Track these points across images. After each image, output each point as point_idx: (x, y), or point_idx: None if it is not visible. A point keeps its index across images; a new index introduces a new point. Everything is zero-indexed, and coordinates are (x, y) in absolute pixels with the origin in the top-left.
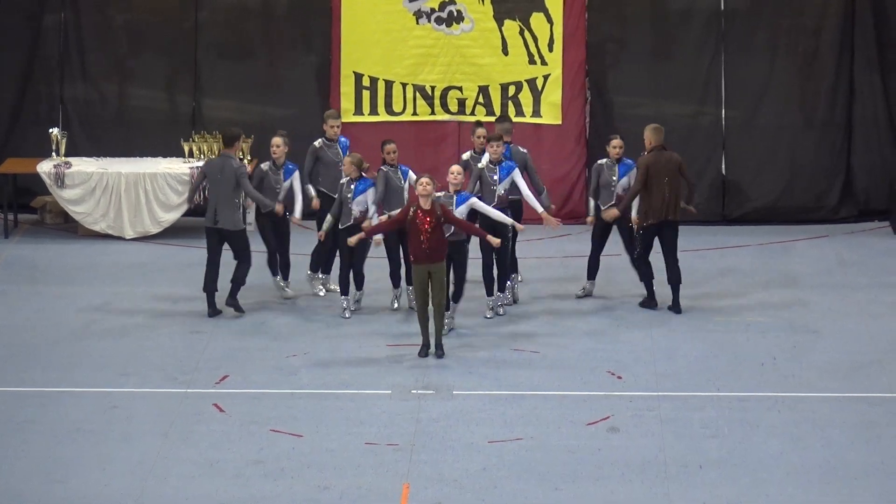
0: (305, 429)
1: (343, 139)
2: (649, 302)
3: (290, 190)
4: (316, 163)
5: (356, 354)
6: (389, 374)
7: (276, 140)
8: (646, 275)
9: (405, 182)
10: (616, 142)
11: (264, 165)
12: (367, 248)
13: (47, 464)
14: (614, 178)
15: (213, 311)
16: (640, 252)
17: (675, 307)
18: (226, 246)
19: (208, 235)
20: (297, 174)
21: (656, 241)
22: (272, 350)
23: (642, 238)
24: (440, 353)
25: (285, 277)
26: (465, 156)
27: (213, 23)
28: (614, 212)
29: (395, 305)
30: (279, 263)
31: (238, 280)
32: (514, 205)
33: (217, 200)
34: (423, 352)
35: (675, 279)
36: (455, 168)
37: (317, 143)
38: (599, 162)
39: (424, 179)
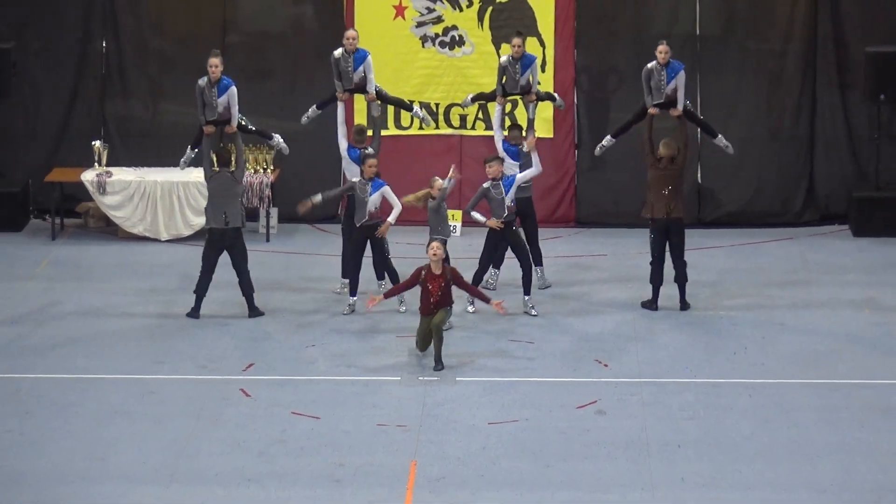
0: (323, 412)
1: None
2: (651, 304)
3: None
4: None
5: (369, 345)
6: (398, 362)
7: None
8: (655, 280)
9: (371, 196)
10: (662, 47)
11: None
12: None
13: (90, 443)
14: (663, 82)
15: (196, 314)
16: (653, 259)
17: (683, 304)
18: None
19: (211, 243)
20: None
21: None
22: (293, 341)
23: (653, 243)
24: (440, 366)
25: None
26: (503, 60)
27: (238, 46)
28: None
29: (403, 309)
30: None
31: (248, 293)
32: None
33: (224, 203)
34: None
35: (681, 279)
36: (435, 244)
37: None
38: (648, 66)
39: (435, 244)
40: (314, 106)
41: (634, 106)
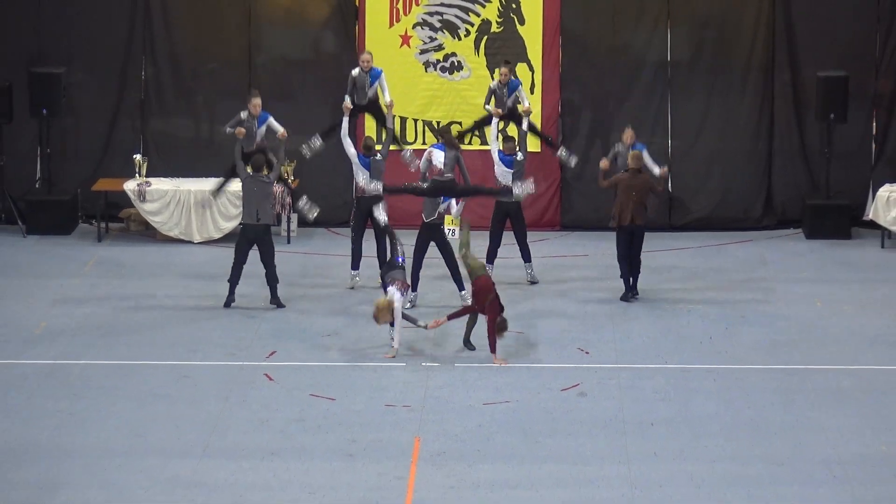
0: (337, 394)
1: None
2: (626, 296)
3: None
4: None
5: (377, 335)
6: (404, 350)
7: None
8: (624, 273)
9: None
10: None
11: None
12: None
13: (131, 422)
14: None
15: (230, 301)
16: (618, 254)
17: (634, 290)
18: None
19: (244, 236)
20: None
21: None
22: (310, 331)
23: (618, 242)
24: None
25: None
26: (493, 84)
27: (263, 70)
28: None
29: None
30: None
31: (272, 283)
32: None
33: (257, 203)
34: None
35: (635, 272)
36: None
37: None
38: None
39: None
40: (317, 136)
41: (611, 123)
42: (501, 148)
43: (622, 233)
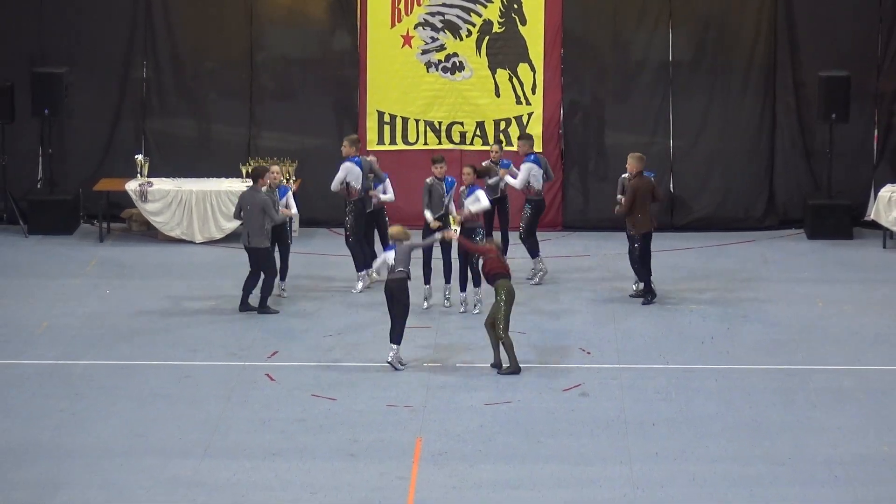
0: (339, 394)
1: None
2: (648, 297)
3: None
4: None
5: (379, 335)
6: (406, 350)
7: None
8: (644, 275)
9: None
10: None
11: (429, 180)
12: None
13: (132, 422)
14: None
15: (245, 307)
16: (637, 258)
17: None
18: None
19: (247, 252)
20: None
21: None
22: (312, 332)
23: (640, 249)
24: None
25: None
26: (485, 163)
27: (264, 70)
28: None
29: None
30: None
31: (266, 292)
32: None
33: (249, 226)
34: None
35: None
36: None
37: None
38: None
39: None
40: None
41: (614, 123)
42: (522, 149)
43: (644, 239)
